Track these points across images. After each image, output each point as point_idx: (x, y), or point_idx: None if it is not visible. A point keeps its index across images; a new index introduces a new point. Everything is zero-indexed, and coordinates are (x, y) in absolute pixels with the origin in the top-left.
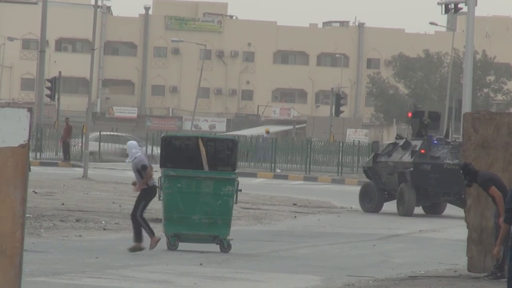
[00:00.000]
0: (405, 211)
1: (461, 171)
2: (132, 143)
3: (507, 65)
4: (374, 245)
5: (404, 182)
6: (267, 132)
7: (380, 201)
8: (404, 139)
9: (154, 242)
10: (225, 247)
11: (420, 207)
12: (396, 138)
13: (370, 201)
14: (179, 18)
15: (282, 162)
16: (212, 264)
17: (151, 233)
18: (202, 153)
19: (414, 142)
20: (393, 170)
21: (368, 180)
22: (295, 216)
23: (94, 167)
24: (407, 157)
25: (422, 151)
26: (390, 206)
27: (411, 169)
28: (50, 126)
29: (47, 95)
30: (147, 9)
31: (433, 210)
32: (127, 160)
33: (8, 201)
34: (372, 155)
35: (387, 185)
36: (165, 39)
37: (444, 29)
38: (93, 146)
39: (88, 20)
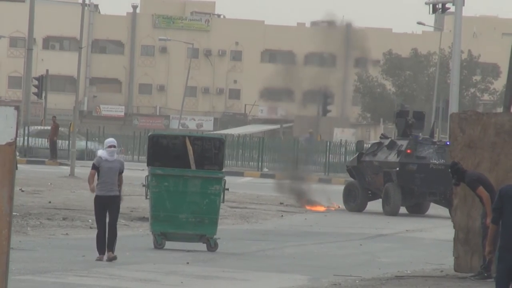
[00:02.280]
0: (391, 211)
1: (449, 170)
2: (114, 140)
3: (494, 65)
4: (360, 245)
5: (389, 182)
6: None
7: (364, 200)
8: (389, 139)
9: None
10: (212, 246)
11: (403, 206)
12: (380, 138)
13: (354, 200)
14: (166, 16)
15: (269, 161)
16: (199, 263)
17: None
18: (189, 152)
19: (399, 142)
20: (378, 169)
21: (352, 180)
22: (282, 215)
23: (81, 166)
24: (392, 157)
25: (408, 151)
26: (374, 205)
27: (397, 169)
28: (37, 124)
29: (34, 93)
30: (134, 7)
31: (417, 209)
32: (110, 159)
33: None
34: (357, 155)
35: (371, 184)
36: (152, 38)
37: (431, 29)
38: None
39: (75, 18)
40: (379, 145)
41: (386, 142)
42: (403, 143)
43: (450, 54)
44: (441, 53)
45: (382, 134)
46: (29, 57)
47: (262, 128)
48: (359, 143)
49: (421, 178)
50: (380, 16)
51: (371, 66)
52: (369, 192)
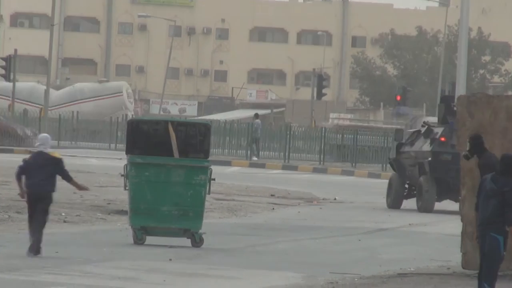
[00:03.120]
0: (424, 207)
1: (468, 141)
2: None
3: (505, 44)
4: (359, 240)
5: (424, 174)
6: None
7: (399, 196)
8: (426, 126)
9: None
10: (197, 242)
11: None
12: (422, 126)
13: (389, 195)
14: None
15: (259, 149)
16: (183, 260)
17: None
18: (172, 138)
19: (436, 130)
20: (414, 161)
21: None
22: (273, 208)
23: None
24: (426, 146)
25: (442, 139)
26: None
27: (429, 159)
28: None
29: (2, 75)
30: None
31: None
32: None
33: None
34: (396, 145)
35: (411, 178)
36: (130, 14)
37: (436, 5)
38: None
39: None
40: (418, 133)
41: (423, 130)
42: (439, 131)
43: (457, 31)
44: (449, 31)
45: (424, 122)
46: None
47: (251, 113)
48: (398, 132)
49: (456, 170)
50: None
51: (370, 45)
52: (408, 187)
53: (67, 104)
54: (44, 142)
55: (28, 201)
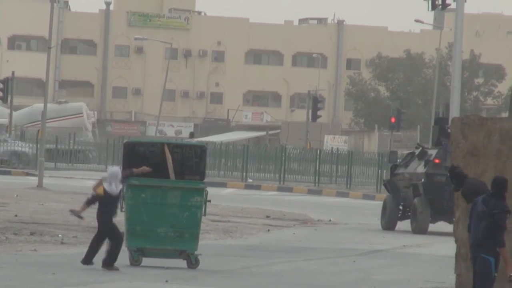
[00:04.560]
0: (418, 228)
1: (448, 174)
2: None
3: (498, 66)
4: (354, 261)
5: (418, 196)
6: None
7: (393, 217)
8: (420, 148)
9: None
10: (193, 263)
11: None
12: (416, 148)
13: (383, 216)
14: (142, 14)
15: (254, 171)
16: (179, 281)
17: None
18: (168, 160)
19: (430, 152)
20: (409, 182)
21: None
22: (269, 230)
23: (50, 176)
24: (420, 168)
25: (436, 160)
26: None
27: (423, 180)
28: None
29: None
30: (108, 4)
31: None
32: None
33: None
34: (390, 167)
35: (405, 200)
36: (127, 37)
37: (430, 27)
38: None
39: (44, 15)
40: (412, 155)
41: (418, 151)
42: (433, 153)
43: (449, 54)
44: (439, 54)
45: (417, 144)
46: None
47: (246, 135)
48: (393, 154)
49: (450, 192)
50: (374, 13)
51: (365, 68)
52: (402, 208)
53: (28, 125)
54: (108, 176)
55: None
